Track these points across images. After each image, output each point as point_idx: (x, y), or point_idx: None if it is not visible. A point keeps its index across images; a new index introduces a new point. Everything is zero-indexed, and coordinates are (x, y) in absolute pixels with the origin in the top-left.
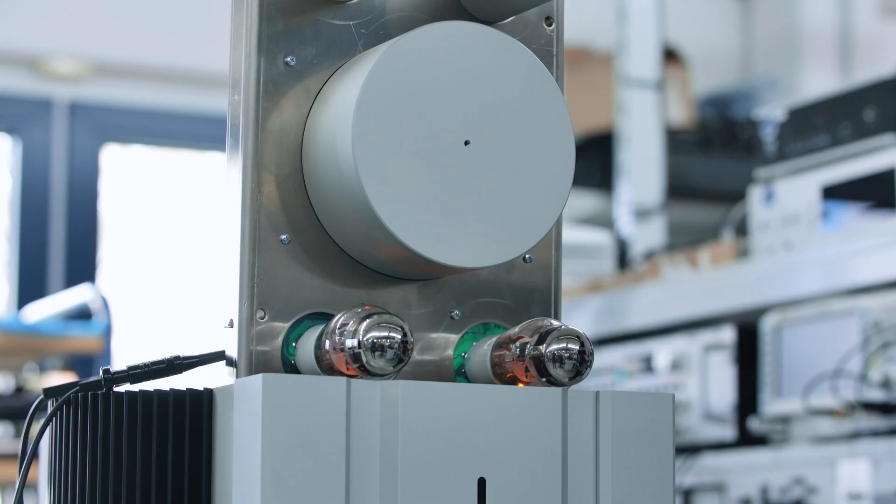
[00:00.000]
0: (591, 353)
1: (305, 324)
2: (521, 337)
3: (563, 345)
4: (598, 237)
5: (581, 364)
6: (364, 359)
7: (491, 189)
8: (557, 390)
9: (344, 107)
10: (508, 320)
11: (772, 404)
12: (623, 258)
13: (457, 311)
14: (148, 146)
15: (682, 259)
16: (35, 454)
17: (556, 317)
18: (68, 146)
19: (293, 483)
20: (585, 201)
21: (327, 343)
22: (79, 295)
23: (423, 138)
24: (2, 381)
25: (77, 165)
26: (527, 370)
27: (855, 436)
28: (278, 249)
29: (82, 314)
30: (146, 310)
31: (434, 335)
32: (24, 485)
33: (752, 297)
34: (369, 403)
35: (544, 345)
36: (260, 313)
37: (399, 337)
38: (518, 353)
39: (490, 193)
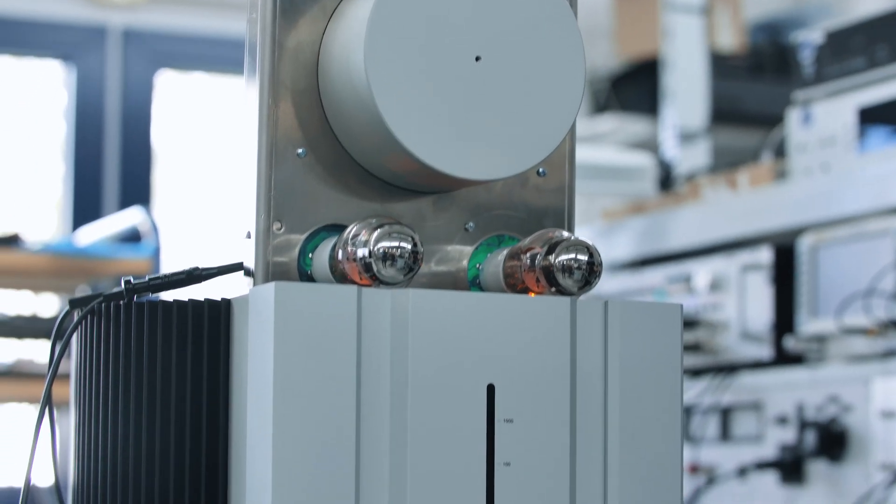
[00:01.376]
0: (600, 264)
1: (321, 235)
2: (532, 248)
3: (572, 255)
4: (642, 160)
5: (590, 274)
6: (375, 268)
7: (502, 103)
8: (566, 299)
9: (358, 22)
10: (522, 233)
11: (808, 324)
12: (666, 181)
13: (471, 224)
14: (202, 72)
15: (721, 181)
16: (60, 360)
17: (570, 230)
18: (122, 73)
19: (304, 388)
20: (636, 126)
21: (340, 253)
22: (129, 218)
23: (434, 53)
24: (56, 302)
25: (131, 92)
26: (537, 280)
27: (889, 354)
28: (294, 163)
29: (133, 237)
30: (195, 232)
31: (449, 247)
32: (52, 385)
33: (789, 218)
34: (380, 311)
35: (553, 255)
36: (277, 225)
37: (409, 247)
38: (529, 263)
39: (501, 108)
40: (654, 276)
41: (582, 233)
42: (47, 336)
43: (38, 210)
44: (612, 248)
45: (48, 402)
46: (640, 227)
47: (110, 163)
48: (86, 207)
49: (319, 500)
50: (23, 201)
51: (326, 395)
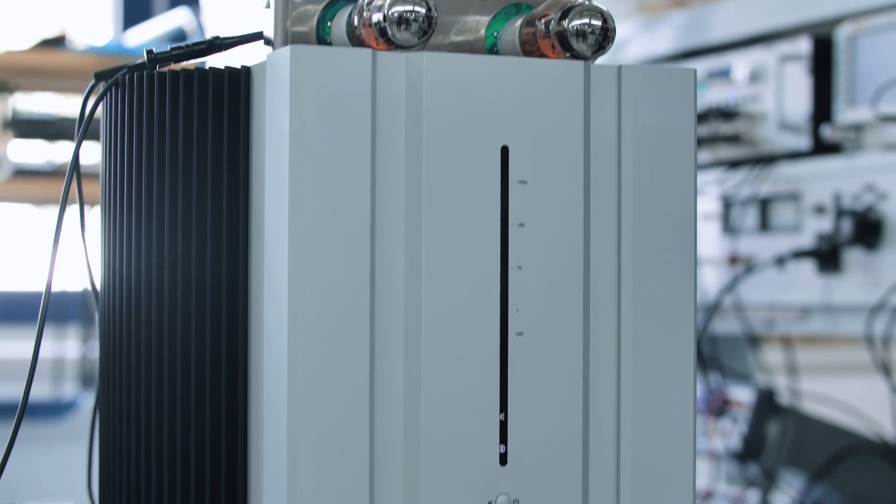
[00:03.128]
0: (613, 30)
1: (339, 4)
2: (547, 14)
3: (586, 20)
4: None
5: (604, 39)
6: (390, 32)
7: None
8: (580, 63)
9: None
10: (539, 1)
11: (845, 113)
12: None
13: None
14: None
15: None
16: (86, 131)
17: None
18: None
19: (320, 150)
20: None
21: (356, 19)
22: (176, 18)
23: None
24: None
25: None
26: (553, 47)
27: None
28: None
29: (179, 38)
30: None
31: (467, 18)
32: (79, 154)
33: (828, 8)
34: (395, 74)
35: (567, 20)
36: None
37: (423, 10)
38: (544, 29)
39: None
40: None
41: (622, 27)
42: (93, 136)
43: (87, 11)
44: (653, 42)
45: (76, 169)
46: (681, 20)
47: None
48: (135, 9)
49: (334, 258)
50: (72, 2)
51: (341, 157)
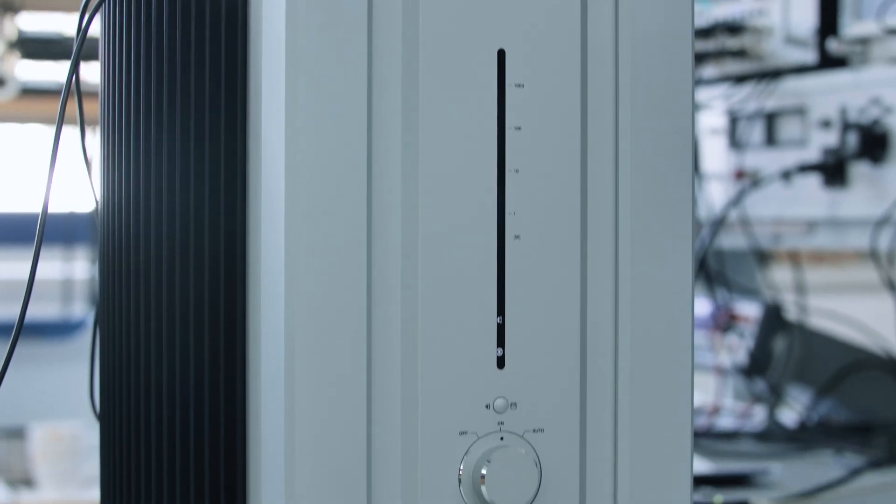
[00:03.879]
0: None
1: None
2: None
3: None
4: None
5: None
6: None
7: None
8: None
9: None
10: None
11: (851, 26)
12: None
13: None
14: None
15: None
16: (82, 46)
17: None
18: None
19: (316, 54)
20: None
21: None
22: None
23: None
24: None
25: None
26: None
27: None
28: None
29: None
30: None
31: None
32: (78, 69)
33: None
34: None
35: None
36: None
37: None
38: None
39: None
40: None
41: None
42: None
43: None
44: None
45: (76, 87)
46: None
47: None
48: None
49: (331, 161)
50: None
51: (338, 60)
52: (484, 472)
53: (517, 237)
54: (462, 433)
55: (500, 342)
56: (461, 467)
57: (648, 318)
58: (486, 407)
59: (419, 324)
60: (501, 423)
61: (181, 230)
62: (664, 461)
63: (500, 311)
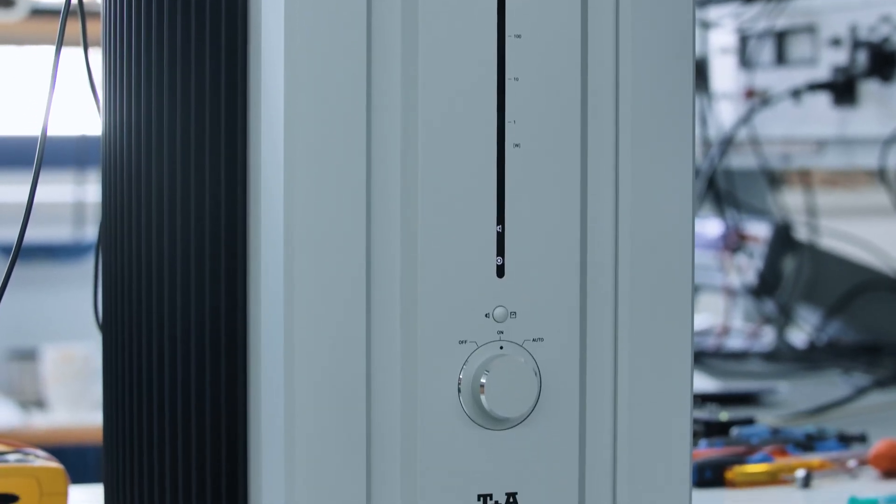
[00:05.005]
0: None
1: None
2: None
3: None
4: None
5: None
6: None
7: None
8: None
9: None
10: None
11: None
12: None
13: None
14: None
15: None
16: None
17: None
18: None
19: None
20: None
21: None
22: None
23: None
24: None
25: None
26: None
27: None
28: None
29: None
30: None
31: None
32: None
33: None
34: None
35: None
36: None
37: None
38: None
39: None
40: None
41: None
42: None
43: None
44: None
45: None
46: None
47: None
48: None
49: (330, 67)
50: None
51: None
52: (483, 381)
53: (517, 146)
54: (461, 342)
55: (500, 251)
56: (461, 376)
57: (649, 226)
58: (486, 316)
59: (419, 233)
60: (501, 332)
61: (182, 155)
62: (664, 369)
63: (500, 219)
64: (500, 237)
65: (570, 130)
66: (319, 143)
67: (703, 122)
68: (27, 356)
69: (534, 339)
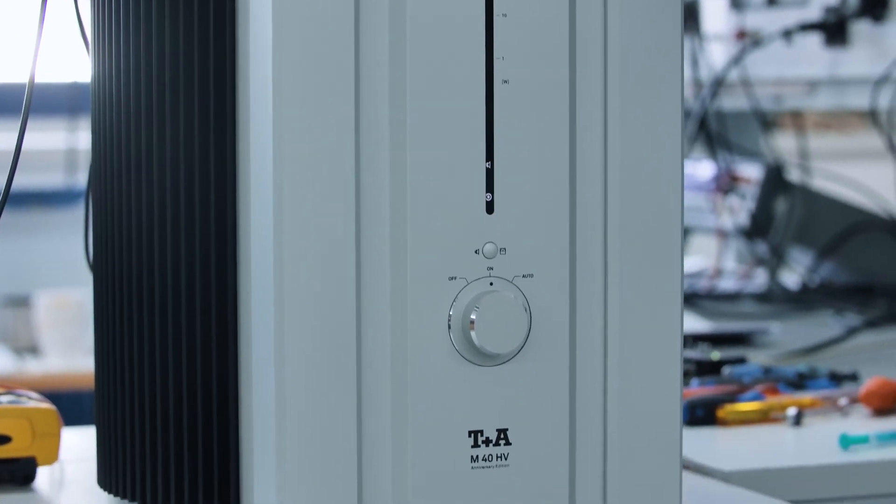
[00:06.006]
0: None
1: None
2: None
3: None
4: None
5: None
6: None
7: None
8: None
9: None
10: None
11: None
12: None
13: None
14: None
15: None
16: None
17: None
18: None
19: None
20: None
21: None
22: None
23: None
24: None
25: None
26: None
27: None
28: None
29: None
30: None
31: None
32: None
33: None
34: None
35: None
36: None
37: None
38: None
39: None
40: None
41: None
42: None
43: None
44: None
45: None
46: None
47: None
48: None
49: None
50: None
51: None
52: (473, 317)
53: (505, 82)
54: (451, 278)
55: (490, 187)
56: (450, 313)
57: (638, 160)
58: (476, 252)
59: (408, 170)
60: (491, 268)
61: (171, 99)
62: (654, 306)
63: (489, 156)
64: (490, 174)
65: (559, 67)
66: (307, 77)
67: (695, 63)
68: (21, 302)
69: (523, 276)
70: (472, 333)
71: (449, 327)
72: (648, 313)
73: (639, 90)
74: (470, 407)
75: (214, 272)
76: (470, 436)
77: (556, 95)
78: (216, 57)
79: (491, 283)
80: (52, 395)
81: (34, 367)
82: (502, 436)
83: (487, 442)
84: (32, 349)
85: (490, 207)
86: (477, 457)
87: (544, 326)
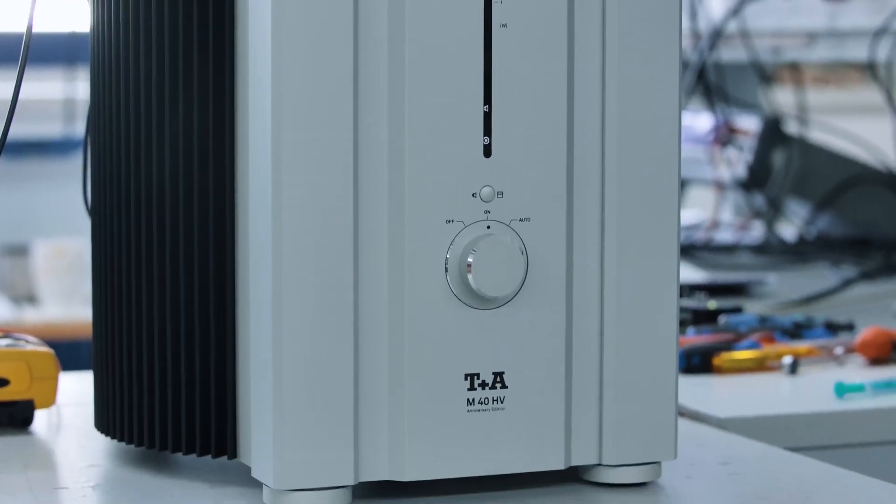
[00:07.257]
0: None
1: None
2: None
3: None
4: None
5: None
6: None
7: None
8: None
9: None
10: None
11: None
12: None
13: None
14: None
15: None
16: None
17: None
18: None
19: None
20: None
21: None
22: None
23: None
24: None
25: None
26: None
27: None
28: None
29: None
30: None
31: None
32: None
33: None
34: None
35: None
36: None
37: None
38: None
39: None
40: None
41: None
42: None
43: None
44: None
45: None
46: None
47: None
48: None
49: None
50: None
51: None
52: (470, 260)
53: (504, 25)
54: (448, 221)
55: (487, 130)
56: (448, 256)
57: (635, 111)
58: (473, 196)
59: (406, 113)
60: (488, 211)
61: (170, 49)
62: (651, 249)
63: (487, 99)
64: (487, 117)
65: (558, 11)
66: (306, 27)
67: (694, 14)
68: (18, 251)
69: (520, 219)
70: (469, 276)
71: (446, 270)
72: (644, 258)
73: (637, 42)
74: (466, 350)
75: (213, 213)
76: (466, 379)
77: (554, 40)
78: (215, 2)
79: (488, 227)
80: (50, 344)
81: (32, 316)
82: (498, 379)
83: (484, 385)
84: (30, 298)
85: (488, 151)
86: (473, 400)
87: (541, 270)
